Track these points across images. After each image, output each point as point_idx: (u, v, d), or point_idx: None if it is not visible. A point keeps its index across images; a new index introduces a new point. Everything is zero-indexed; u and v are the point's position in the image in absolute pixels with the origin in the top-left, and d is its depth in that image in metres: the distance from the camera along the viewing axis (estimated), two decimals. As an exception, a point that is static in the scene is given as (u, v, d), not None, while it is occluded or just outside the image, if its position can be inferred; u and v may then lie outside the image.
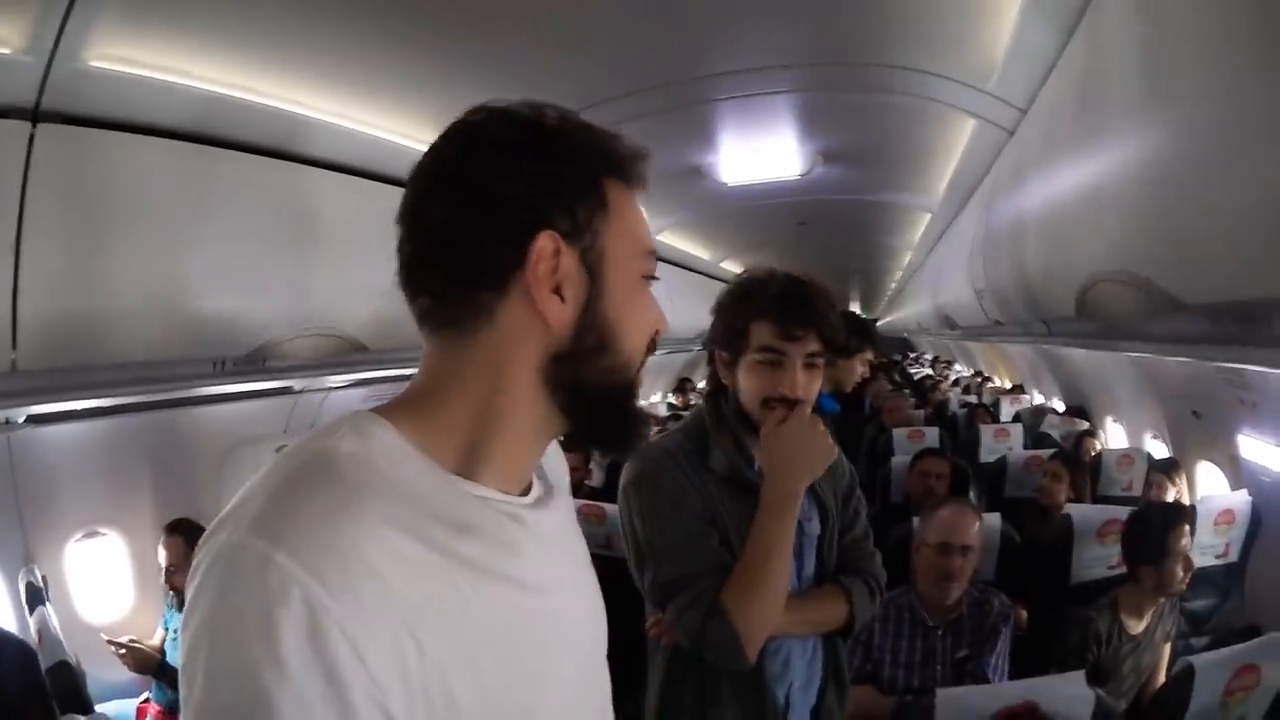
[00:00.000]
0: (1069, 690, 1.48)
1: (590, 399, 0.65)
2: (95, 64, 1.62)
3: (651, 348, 0.69)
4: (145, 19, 1.62)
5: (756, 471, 1.36)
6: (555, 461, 0.78)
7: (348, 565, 0.51)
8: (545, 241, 0.60)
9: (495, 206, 0.60)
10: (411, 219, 0.63)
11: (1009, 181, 2.35)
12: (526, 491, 0.68)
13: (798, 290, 1.32)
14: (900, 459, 3.42)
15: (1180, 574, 2.07)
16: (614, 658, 0.79)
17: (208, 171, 2.01)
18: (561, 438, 0.73)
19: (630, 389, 0.68)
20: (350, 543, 0.51)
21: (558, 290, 0.62)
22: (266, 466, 0.56)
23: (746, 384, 1.33)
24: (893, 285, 11.88)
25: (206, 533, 0.53)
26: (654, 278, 0.69)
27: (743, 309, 1.33)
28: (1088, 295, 1.60)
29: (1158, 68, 1.28)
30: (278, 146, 2.21)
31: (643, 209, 0.69)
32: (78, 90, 1.62)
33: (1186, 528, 2.12)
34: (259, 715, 0.47)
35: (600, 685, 0.76)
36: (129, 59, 1.69)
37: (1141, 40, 1.34)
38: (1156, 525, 2.14)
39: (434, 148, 0.64)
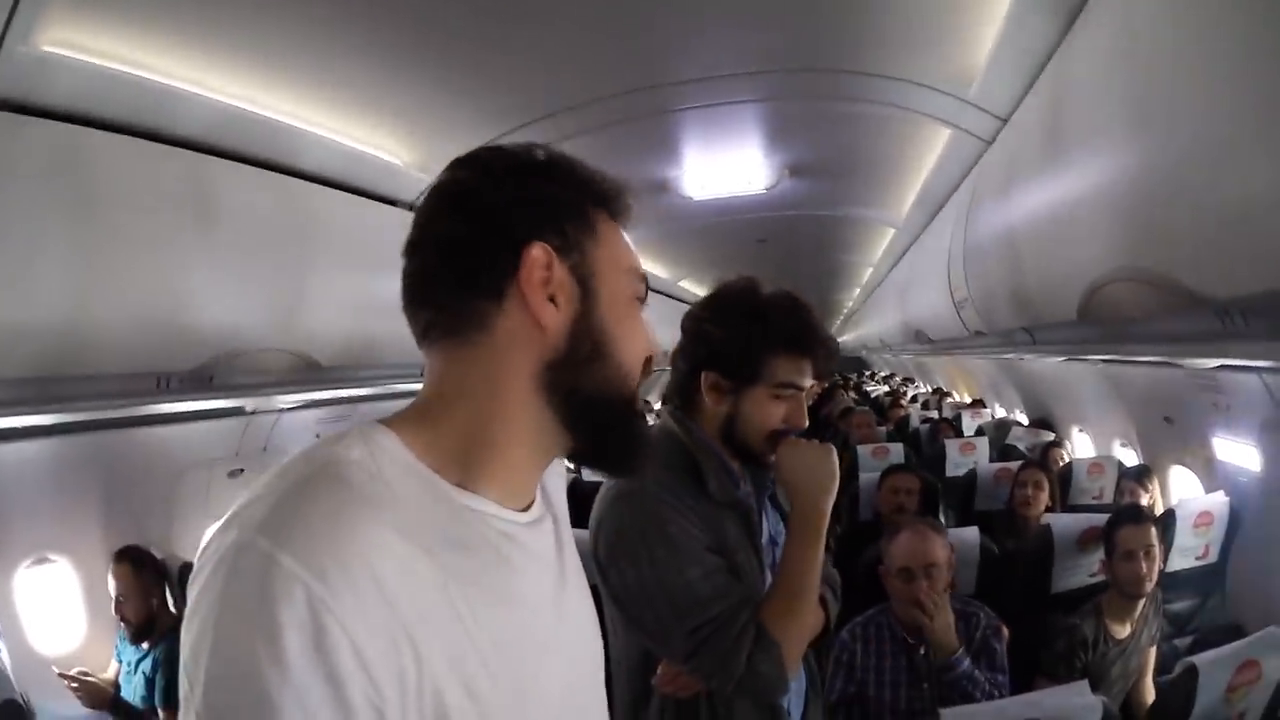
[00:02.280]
0: (1074, 700, 1.46)
1: (588, 409, 0.67)
2: (48, 49, 1.49)
3: (647, 371, 0.71)
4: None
5: (745, 493, 1.33)
6: (557, 490, 0.79)
7: (351, 569, 0.51)
8: (538, 251, 0.64)
9: (493, 219, 0.65)
10: (420, 237, 0.67)
11: (995, 189, 2.34)
12: (528, 508, 0.69)
13: (812, 321, 1.30)
14: (868, 476, 3.42)
15: (1140, 572, 2.07)
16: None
17: (155, 168, 1.83)
18: (568, 458, 0.74)
19: (630, 402, 0.70)
20: (354, 548, 0.52)
21: (552, 299, 0.65)
22: (274, 470, 0.58)
23: (756, 415, 1.28)
24: (849, 305, 12.00)
25: (212, 533, 0.54)
26: (644, 300, 0.73)
27: (757, 338, 1.27)
28: (1091, 299, 1.59)
29: (1147, 71, 1.25)
30: (251, 152, 2.08)
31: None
32: (29, 77, 1.49)
33: (1150, 528, 2.13)
34: (261, 717, 0.47)
35: (595, 708, 0.77)
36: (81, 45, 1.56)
37: (1131, 43, 1.32)
38: (1110, 524, 2.18)
39: (444, 177, 0.70)
